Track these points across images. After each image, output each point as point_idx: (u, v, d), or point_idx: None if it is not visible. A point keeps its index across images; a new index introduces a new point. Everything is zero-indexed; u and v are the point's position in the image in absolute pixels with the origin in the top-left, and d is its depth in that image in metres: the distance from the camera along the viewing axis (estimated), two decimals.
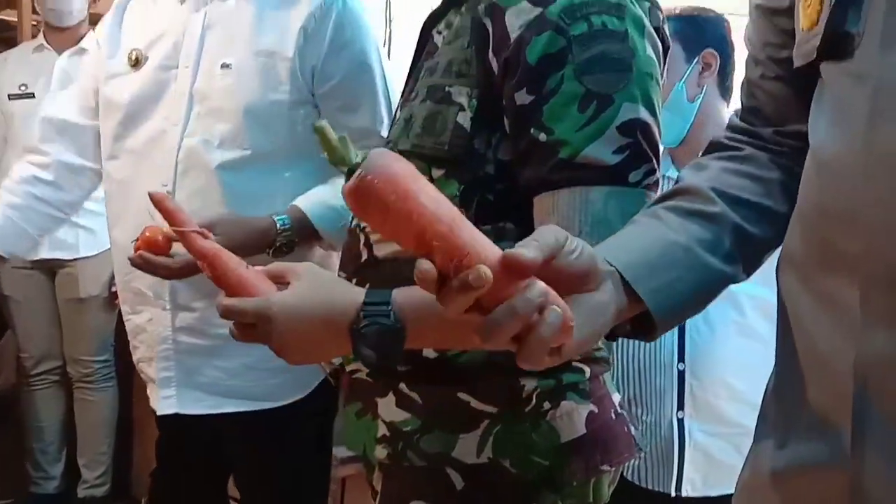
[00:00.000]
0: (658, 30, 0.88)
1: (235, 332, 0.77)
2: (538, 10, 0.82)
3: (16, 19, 3.09)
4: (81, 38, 2.64)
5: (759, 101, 0.80)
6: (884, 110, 0.56)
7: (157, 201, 0.80)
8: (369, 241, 0.93)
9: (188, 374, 1.36)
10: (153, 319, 1.36)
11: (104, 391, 2.64)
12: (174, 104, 1.31)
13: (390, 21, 3.35)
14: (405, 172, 0.53)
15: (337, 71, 1.30)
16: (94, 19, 2.78)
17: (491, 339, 0.52)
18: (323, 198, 1.29)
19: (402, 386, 0.90)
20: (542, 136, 0.81)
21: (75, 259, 2.54)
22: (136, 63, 1.36)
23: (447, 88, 0.87)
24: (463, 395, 0.88)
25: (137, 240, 1.18)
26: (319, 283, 0.77)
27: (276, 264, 0.80)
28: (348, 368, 0.98)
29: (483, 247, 0.52)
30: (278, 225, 1.23)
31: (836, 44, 0.61)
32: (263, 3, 1.32)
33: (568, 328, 0.54)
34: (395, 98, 1.38)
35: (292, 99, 1.29)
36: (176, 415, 1.37)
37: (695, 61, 1.56)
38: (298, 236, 1.26)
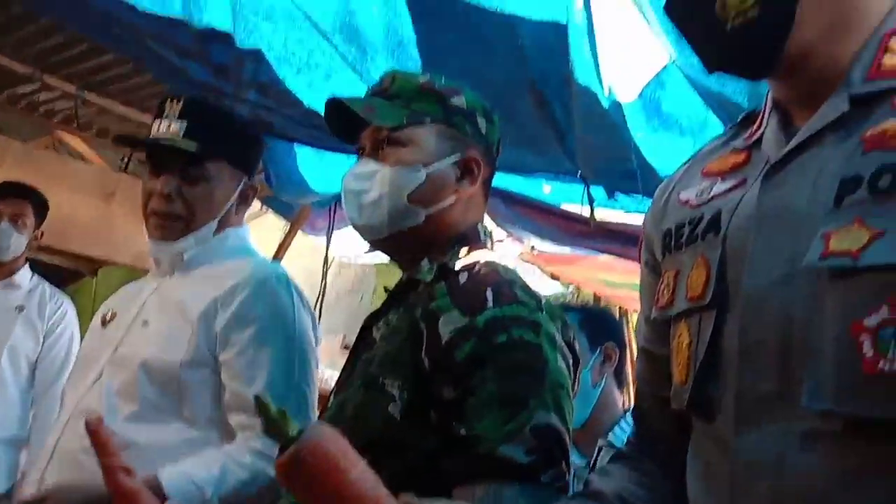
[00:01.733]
0: (569, 345, 0.99)
1: None
2: (467, 320, 0.93)
3: None
4: (15, 271, 2.66)
5: (649, 427, 0.90)
6: (741, 486, 0.64)
7: (91, 428, 0.79)
8: None
9: None
10: None
11: None
12: (102, 355, 1.39)
13: (323, 293, 3.52)
14: (336, 450, 0.55)
15: (236, 342, 1.34)
16: (39, 248, 2.83)
17: None
18: (187, 470, 1.26)
19: None
20: (463, 431, 0.88)
21: None
22: (104, 322, 1.46)
23: (381, 380, 0.94)
24: None
25: None
26: None
27: None
28: None
29: None
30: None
31: (701, 406, 0.71)
32: (203, 277, 1.43)
33: None
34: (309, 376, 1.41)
35: (188, 360, 1.33)
36: None
37: (598, 352, 1.73)
38: None
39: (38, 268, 2.81)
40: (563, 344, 0.96)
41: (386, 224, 1.07)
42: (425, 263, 1.05)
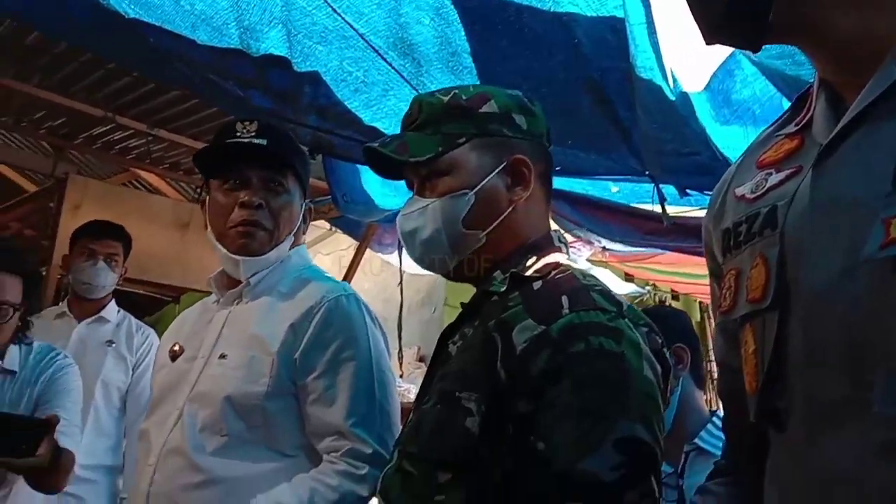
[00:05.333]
0: (657, 353, 0.92)
1: None
2: (541, 329, 0.89)
3: (45, 272, 3.29)
4: (103, 307, 2.77)
5: (740, 443, 0.85)
6: (817, 501, 0.58)
7: None
8: None
9: None
10: None
11: None
12: (181, 391, 1.39)
13: (400, 308, 3.54)
14: None
15: (316, 366, 1.34)
16: (124, 281, 2.94)
17: None
18: (277, 498, 1.27)
19: None
20: (541, 446, 0.84)
21: None
22: (174, 356, 1.46)
23: (457, 394, 0.91)
24: None
25: None
26: None
27: None
28: None
29: None
30: None
31: (770, 415, 0.66)
32: (274, 303, 1.43)
33: None
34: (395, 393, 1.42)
35: (269, 391, 1.33)
36: None
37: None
38: None
39: (121, 298, 2.92)
40: (649, 352, 0.91)
41: (450, 256, 1.06)
42: (498, 275, 1.03)
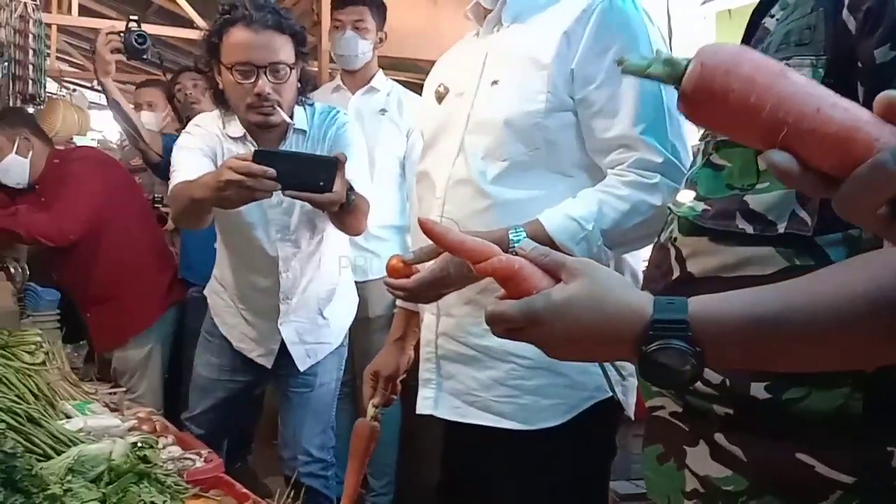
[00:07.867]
0: None
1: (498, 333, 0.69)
2: None
3: (317, 68, 3.49)
4: (371, 77, 2.87)
5: None
6: None
7: (426, 229, 0.73)
8: (682, 254, 0.82)
9: (446, 378, 1.39)
10: (426, 322, 1.43)
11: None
12: (456, 125, 1.38)
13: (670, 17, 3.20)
14: (742, 52, 0.48)
15: (596, 74, 1.25)
16: (381, 62, 3.01)
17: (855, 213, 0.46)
18: (566, 210, 1.25)
19: (719, 436, 0.77)
20: None
21: (365, 281, 2.71)
22: (441, 97, 1.45)
23: (786, 63, 0.74)
24: (804, 457, 0.72)
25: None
26: (596, 287, 0.65)
27: (552, 257, 0.68)
28: (648, 404, 0.88)
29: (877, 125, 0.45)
30: (511, 237, 1.21)
31: None
32: (534, 19, 1.34)
33: None
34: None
35: (548, 107, 1.28)
36: (457, 426, 1.37)
37: None
38: None
39: None
40: None
41: None
42: None
